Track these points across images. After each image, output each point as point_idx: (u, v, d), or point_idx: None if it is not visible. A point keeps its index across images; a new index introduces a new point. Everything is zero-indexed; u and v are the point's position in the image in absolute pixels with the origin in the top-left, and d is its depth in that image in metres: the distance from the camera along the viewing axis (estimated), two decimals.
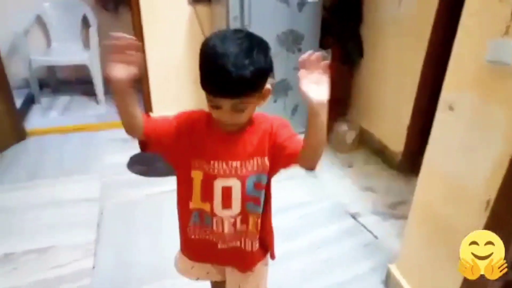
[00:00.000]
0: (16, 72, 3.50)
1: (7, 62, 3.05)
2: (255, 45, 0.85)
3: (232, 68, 0.81)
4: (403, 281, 1.62)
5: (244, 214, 1.02)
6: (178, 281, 1.24)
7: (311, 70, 0.81)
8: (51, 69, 3.79)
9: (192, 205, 1.05)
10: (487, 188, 1.17)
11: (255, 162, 0.97)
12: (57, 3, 3.64)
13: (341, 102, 3.03)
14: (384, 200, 2.33)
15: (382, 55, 2.68)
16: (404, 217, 2.11)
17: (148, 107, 3.12)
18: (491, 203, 1.17)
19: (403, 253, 1.66)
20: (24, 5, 3.52)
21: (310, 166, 0.94)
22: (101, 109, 3.54)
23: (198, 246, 1.12)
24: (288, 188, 2.30)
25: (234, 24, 2.31)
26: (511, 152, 1.07)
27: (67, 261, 1.84)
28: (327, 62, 0.81)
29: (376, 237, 2.03)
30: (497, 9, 1.04)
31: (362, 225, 2.12)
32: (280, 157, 0.96)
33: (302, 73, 0.82)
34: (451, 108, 1.27)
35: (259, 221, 1.05)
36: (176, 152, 0.99)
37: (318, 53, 0.81)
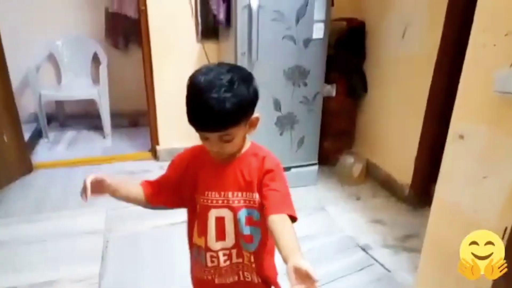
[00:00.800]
0: (26, 106, 3.58)
1: (18, 96, 3.12)
2: (236, 78, 0.87)
3: (214, 103, 0.84)
4: None
5: (238, 248, 1.03)
6: None
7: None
8: (59, 104, 3.87)
9: (194, 239, 1.08)
10: (501, 218, 1.16)
11: (245, 196, 0.99)
12: (69, 41, 3.78)
13: (347, 135, 3.06)
14: (394, 233, 2.29)
15: (386, 89, 2.74)
16: (416, 250, 2.08)
17: (155, 140, 3.15)
18: (508, 231, 1.15)
19: (418, 287, 1.61)
20: (38, 42, 3.65)
21: None
22: (107, 143, 3.58)
23: (198, 285, 1.14)
24: None
25: (242, 60, 2.38)
26: None
27: None
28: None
29: (388, 270, 1.98)
30: (503, 41, 1.08)
31: (373, 258, 2.07)
32: (262, 198, 0.97)
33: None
34: (461, 137, 1.29)
35: (253, 259, 1.04)
36: (181, 195, 1.05)
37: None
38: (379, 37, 2.74)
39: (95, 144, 3.55)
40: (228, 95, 0.85)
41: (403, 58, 2.53)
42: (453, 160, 1.33)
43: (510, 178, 1.11)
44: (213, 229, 1.01)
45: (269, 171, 0.97)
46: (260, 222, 1.01)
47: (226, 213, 1.00)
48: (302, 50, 2.43)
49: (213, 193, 1.00)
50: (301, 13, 2.35)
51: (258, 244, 1.03)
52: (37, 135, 3.59)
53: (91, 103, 3.73)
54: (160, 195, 1.05)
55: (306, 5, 2.34)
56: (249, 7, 2.28)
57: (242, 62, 2.38)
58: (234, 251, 1.03)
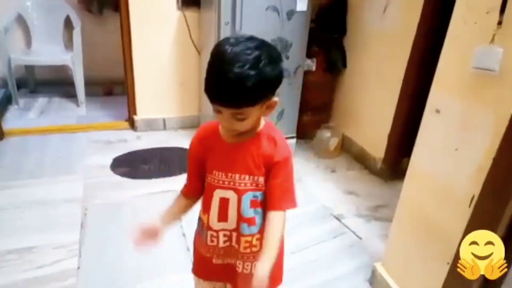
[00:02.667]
0: None
1: None
2: (264, 56, 0.82)
3: (234, 78, 0.79)
4: (388, 279, 1.68)
5: (238, 233, 1.03)
6: (164, 283, 1.23)
7: None
8: (29, 69, 3.71)
9: (200, 214, 1.10)
10: (471, 185, 1.25)
11: (252, 179, 0.97)
12: (39, 3, 3.59)
13: (324, 109, 3.12)
14: (366, 203, 2.41)
15: (365, 65, 2.80)
16: (386, 219, 2.21)
17: (132, 109, 3.10)
18: (475, 199, 1.25)
19: (388, 252, 1.73)
20: (5, 2, 3.44)
21: None
22: (81, 111, 3.49)
23: (198, 259, 1.15)
24: None
25: (225, 30, 2.36)
26: (494, 152, 1.16)
27: (51, 261, 1.79)
28: None
29: (360, 238, 2.10)
30: (484, 19, 1.14)
31: (346, 226, 2.18)
32: (266, 189, 0.99)
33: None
34: (437, 111, 1.36)
35: (257, 242, 1.03)
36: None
37: None
38: (361, 12, 2.77)
39: (69, 112, 3.46)
40: (251, 72, 0.79)
41: (383, 35, 2.58)
42: (428, 132, 1.41)
43: (480, 149, 1.19)
44: (216, 209, 1.01)
45: (279, 162, 0.95)
46: (263, 203, 1.01)
47: (231, 195, 0.99)
48: (285, 22, 2.43)
49: (220, 173, 0.99)
50: None
51: (261, 226, 1.02)
52: (6, 101, 3.44)
53: (64, 69, 3.60)
54: (193, 187, 1.07)
55: None
56: None
57: (225, 32, 2.35)
58: (234, 234, 1.03)
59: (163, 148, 2.92)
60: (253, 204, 1.00)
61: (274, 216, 0.97)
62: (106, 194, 2.33)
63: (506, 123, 1.10)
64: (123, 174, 2.53)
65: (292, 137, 2.83)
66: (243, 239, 1.03)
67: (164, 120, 3.16)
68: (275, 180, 0.96)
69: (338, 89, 3.11)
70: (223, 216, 1.01)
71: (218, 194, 1.00)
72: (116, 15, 3.51)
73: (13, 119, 3.22)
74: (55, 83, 3.83)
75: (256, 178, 0.97)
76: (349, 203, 2.41)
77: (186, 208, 1.09)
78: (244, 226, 1.01)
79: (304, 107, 2.88)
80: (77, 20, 3.53)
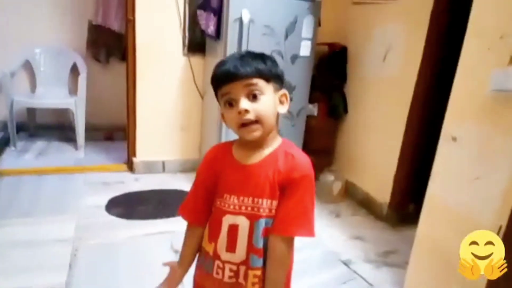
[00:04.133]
0: None
1: None
2: (265, 56, 0.91)
3: (241, 55, 0.89)
4: None
5: (247, 267, 0.91)
6: None
7: None
8: (31, 112, 3.71)
9: (203, 243, 1.00)
10: (497, 216, 1.18)
11: (268, 204, 0.88)
12: (48, 50, 3.69)
13: (327, 153, 3.10)
14: (375, 248, 2.28)
15: (366, 110, 2.83)
16: (397, 265, 2.09)
17: (132, 151, 3.06)
18: (503, 229, 1.17)
19: None
20: (15, 48, 3.54)
21: None
22: (80, 154, 3.43)
23: None
24: None
25: None
26: None
27: None
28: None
29: (371, 284, 1.95)
30: (498, 43, 1.16)
31: (355, 272, 2.04)
32: (275, 211, 0.90)
33: None
34: (454, 139, 1.33)
35: (261, 275, 0.91)
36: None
37: None
38: (361, 60, 2.86)
39: (67, 155, 3.39)
40: (256, 59, 0.88)
41: (384, 80, 2.65)
42: (445, 162, 1.37)
43: (504, 177, 1.14)
44: (225, 237, 0.91)
45: (295, 180, 0.87)
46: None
47: (242, 221, 0.89)
48: (289, 65, 2.49)
49: (232, 197, 0.90)
50: (290, 30, 2.43)
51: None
52: (4, 143, 3.40)
53: (65, 114, 3.62)
54: (202, 215, 0.98)
55: (295, 23, 2.43)
56: (240, 21, 2.34)
57: None
58: (242, 269, 0.91)
59: (162, 190, 2.83)
60: (265, 232, 0.89)
61: (278, 243, 0.87)
62: (99, 235, 2.20)
63: None
64: (118, 215, 2.41)
65: None
66: (251, 272, 0.91)
67: (163, 162, 3.11)
68: (289, 200, 0.87)
69: (340, 134, 3.12)
70: (231, 246, 0.91)
71: (227, 220, 0.91)
72: (121, 64, 3.64)
73: (9, 160, 3.14)
74: (55, 128, 3.82)
75: (270, 202, 0.88)
76: (356, 248, 2.28)
77: (198, 246, 1.00)
78: (254, 258, 0.90)
79: (307, 151, 2.82)
80: (84, 67, 3.61)
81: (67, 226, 2.23)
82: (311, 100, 2.81)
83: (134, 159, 3.05)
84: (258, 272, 0.91)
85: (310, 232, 0.88)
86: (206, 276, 0.97)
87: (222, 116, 0.92)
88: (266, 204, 0.88)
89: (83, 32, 3.75)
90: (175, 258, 1.01)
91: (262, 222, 0.89)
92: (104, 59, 3.90)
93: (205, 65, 2.98)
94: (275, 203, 0.88)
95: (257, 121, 0.85)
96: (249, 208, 0.89)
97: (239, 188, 0.90)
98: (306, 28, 2.46)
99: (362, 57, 2.84)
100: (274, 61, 0.92)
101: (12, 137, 3.38)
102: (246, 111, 0.84)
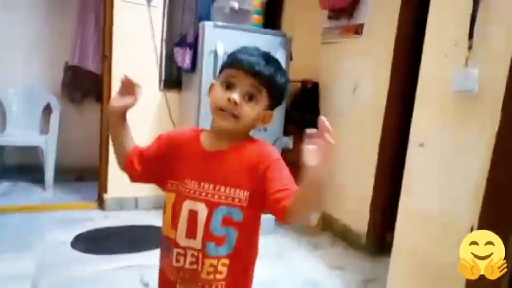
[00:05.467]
0: None
1: None
2: (286, 75, 0.94)
3: (264, 51, 0.91)
4: None
5: (203, 255, 0.89)
6: None
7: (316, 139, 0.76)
8: None
9: (164, 230, 0.96)
10: (470, 217, 1.19)
11: (229, 191, 0.88)
12: (22, 90, 3.65)
13: None
14: (355, 278, 2.21)
15: (339, 142, 2.86)
16: None
17: (103, 188, 2.95)
18: (475, 229, 1.17)
19: None
20: None
21: (297, 222, 0.86)
22: (48, 195, 3.27)
23: (162, 282, 0.99)
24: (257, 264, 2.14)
25: (205, 110, 2.43)
26: (487, 173, 1.14)
27: None
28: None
29: None
30: (453, 50, 1.24)
31: None
32: (268, 206, 0.85)
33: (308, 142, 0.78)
34: (421, 145, 1.37)
35: (223, 268, 0.89)
36: (161, 173, 0.96)
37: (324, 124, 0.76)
38: (332, 94, 2.97)
39: (34, 195, 3.23)
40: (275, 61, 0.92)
41: (355, 112, 2.74)
42: (414, 168, 1.39)
43: (474, 176, 1.17)
44: (185, 222, 0.89)
45: (269, 166, 0.87)
46: (241, 225, 0.89)
47: (200, 208, 0.88)
48: None
49: (193, 182, 0.90)
50: None
51: (232, 250, 0.90)
52: None
53: (34, 154, 3.50)
54: (140, 158, 0.98)
55: None
56: (215, 53, 2.42)
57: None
58: (200, 256, 0.89)
59: (133, 225, 2.70)
60: (225, 221, 0.88)
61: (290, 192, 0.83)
62: (62, 271, 2.05)
63: (493, 141, 1.11)
64: (84, 250, 2.27)
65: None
66: (207, 261, 0.89)
67: (136, 199, 3.00)
68: (276, 182, 0.85)
69: None
70: (191, 232, 0.89)
71: (187, 205, 0.90)
72: (96, 105, 3.63)
73: None
74: (23, 169, 3.67)
75: (233, 190, 0.88)
76: (337, 278, 2.21)
77: (121, 136, 1.01)
78: (211, 245, 0.88)
79: None
80: (57, 106, 3.57)
81: (27, 263, 2.07)
82: (286, 133, 2.85)
83: (105, 195, 2.93)
84: (214, 261, 0.89)
85: None
86: (168, 265, 0.94)
87: (211, 88, 0.93)
88: (227, 192, 0.88)
89: (59, 72, 3.76)
90: None
91: (222, 210, 0.88)
92: (78, 100, 3.88)
93: (181, 100, 3.01)
94: (238, 191, 0.88)
95: (236, 117, 0.87)
96: (209, 195, 0.88)
97: (200, 174, 0.90)
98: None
99: (333, 92, 2.96)
100: (287, 82, 0.95)
101: None
102: (235, 103, 0.86)
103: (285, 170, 0.89)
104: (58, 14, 3.71)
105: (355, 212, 2.68)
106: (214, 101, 0.89)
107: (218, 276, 0.90)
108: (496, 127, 1.09)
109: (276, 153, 0.92)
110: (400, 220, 1.46)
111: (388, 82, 2.43)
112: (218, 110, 0.88)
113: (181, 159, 0.93)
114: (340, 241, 2.73)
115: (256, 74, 0.86)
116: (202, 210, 0.88)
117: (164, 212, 0.97)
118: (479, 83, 1.14)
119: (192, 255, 0.89)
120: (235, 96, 0.86)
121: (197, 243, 0.89)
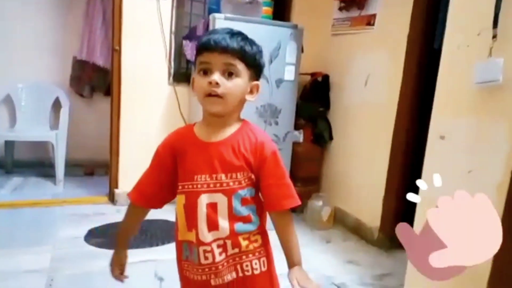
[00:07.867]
0: None
1: None
2: (254, 43, 0.95)
3: (229, 29, 0.92)
4: None
5: (234, 237, 0.92)
6: None
7: None
8: (9, 147, 3.58)
9: (180, 236, 0.97)
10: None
11: (241, 176, 0.91)
12: (31, 85, 3.65)
13: (314, 180, 3.06)
14: (369, 272, 2.19)
15: (350, 136, 2.85)
16: (393, 287, 1.99)
17: (114, 183, 2.95)
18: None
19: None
20: None
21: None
22: (58, 189, 3.28)
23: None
24: None
25: None
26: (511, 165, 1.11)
27: None
28: None
29: None
30: (476, 40, 1.20)
31: None
32: (261, 191, 0.95)
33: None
34: (442, 137, 1.33)
35: (256, 237, 0.97)
36: (174, 182, 0.97)
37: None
38: (343, 87, 2.93)
39: (45, 190, 3.24)
40: (241, 35, 0.92)
41: (366, 105, 2.70)
42: (435, 160, 1.36)
43: (497, 168, 1.14)
44: (204, 218, 0.91)
45: (266, 159, 0.92)
46: (254, 199, 0.95)
47: (219, 198, 0.91)
48: (275, 89, 2.53)
49: (204, 176, 0.91)
50: (274, 55, 2.49)
51: (258, 222, 0.97)
52: None
53: (44, 149, 3.52)
54: (154, 199, 1.01)
55: (279, 48, 2.50)
56: None
57: None
58: (229, 242, 0.92)
59: (145, 220, 2.68)
60: (244, 201, 0.92)
61: (279, 218, 0.94)
62: (76, 265, 2.06)
63: None
64: (97, 245, 2.27)
65: None
66: (240, 237, 0.93)
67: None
68: (269, 179, 0.92)
69: (326, 161, 3.11)
70: (213, 224, 0.91)
71: (203, 200, 0.91)
72: (105, 99, 3.62)
73: None
74: (34, 164, 3.69)
75: (245, 174, 0.91)
76: (350, 272, 2.19)
77: (142, 220, 1.06)
78: (239, 224, 0.93)
79: (294, 178, 2.80)
80: (66, 101, 3.58)
81: (42, 257, 2.09)
82: (296, 127, 2.82)
83: (116, 190, 2.94)
84: (246, 235, 0.94)
85: (296, 201, 0.94)
86: (195, 268, 0.94)
87: (193, 81, 0.93)
88: (240, 176, 0.91)
89: (68, 67, 3.76)
90: (159, 286, 0.99)
91: (240, 193, 0.92)
92: (88, 94, 3.88)
93: (191, 94, 2.99)
94: (246, 174, 0.92)
95: (221, 97, 0.88)
96: (224, 184, 0.91)
97: (208, 166, 0.91)
98: (290, 53, 2.53)
99: (344, 84, 2.92)
100: (260, 51, 0.96)
101: None
102: (217, 83, 0.87)
103: (281, 169, 0.95)
104: (66, 9, 3.70)
105: (368, 207, 2.66)
106: (198, 90, 0.91)
107: (255, 245, 0.96)
108: None
109: (272, 145, 0.96)
110: (419, 212, 1.43)
111: (401, 75, 2.39)
112: (204, 97, 0.90)
113: (186, 158, 0.94)
114: (352, 236, 2.71)
115: (224, 49, 0.87)
116: (221, 200, 0.91)
117: (176, 219, 0.98)
118: (504, 73, 1.10)
119: (218, 246, 0.92)
120: (215, 77, 0.87)
121: (221, 232, 0.91)
